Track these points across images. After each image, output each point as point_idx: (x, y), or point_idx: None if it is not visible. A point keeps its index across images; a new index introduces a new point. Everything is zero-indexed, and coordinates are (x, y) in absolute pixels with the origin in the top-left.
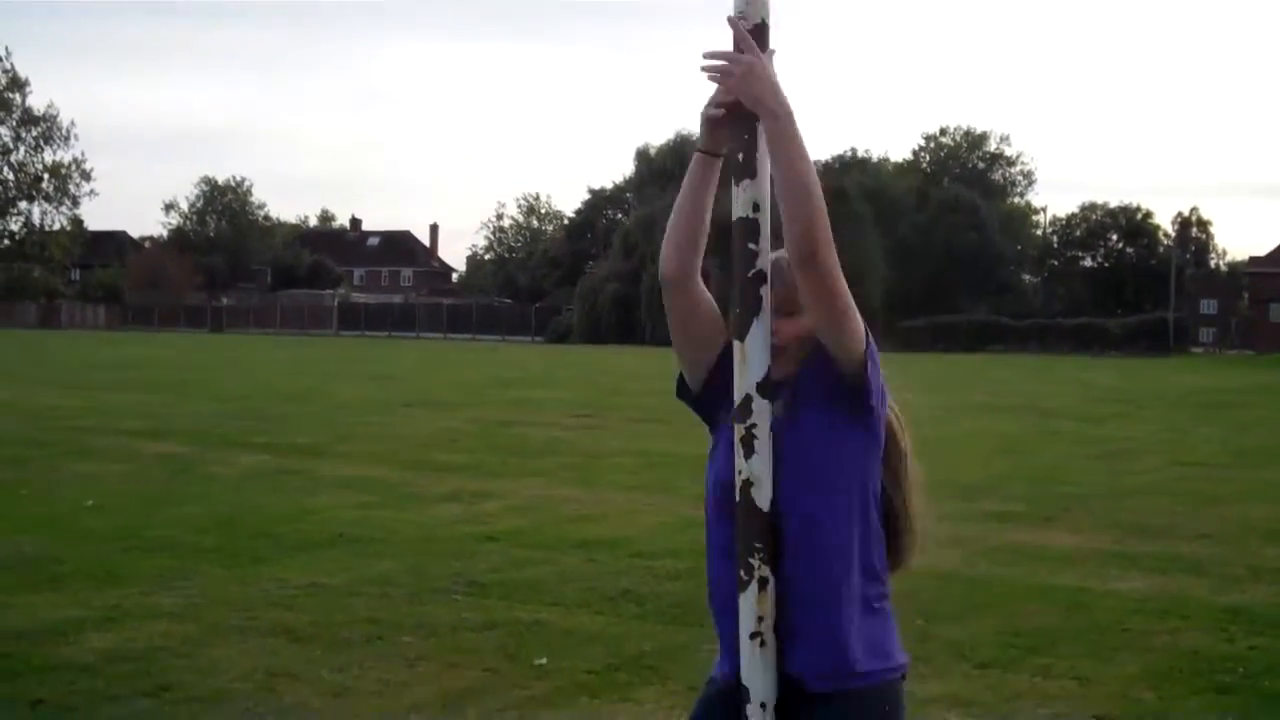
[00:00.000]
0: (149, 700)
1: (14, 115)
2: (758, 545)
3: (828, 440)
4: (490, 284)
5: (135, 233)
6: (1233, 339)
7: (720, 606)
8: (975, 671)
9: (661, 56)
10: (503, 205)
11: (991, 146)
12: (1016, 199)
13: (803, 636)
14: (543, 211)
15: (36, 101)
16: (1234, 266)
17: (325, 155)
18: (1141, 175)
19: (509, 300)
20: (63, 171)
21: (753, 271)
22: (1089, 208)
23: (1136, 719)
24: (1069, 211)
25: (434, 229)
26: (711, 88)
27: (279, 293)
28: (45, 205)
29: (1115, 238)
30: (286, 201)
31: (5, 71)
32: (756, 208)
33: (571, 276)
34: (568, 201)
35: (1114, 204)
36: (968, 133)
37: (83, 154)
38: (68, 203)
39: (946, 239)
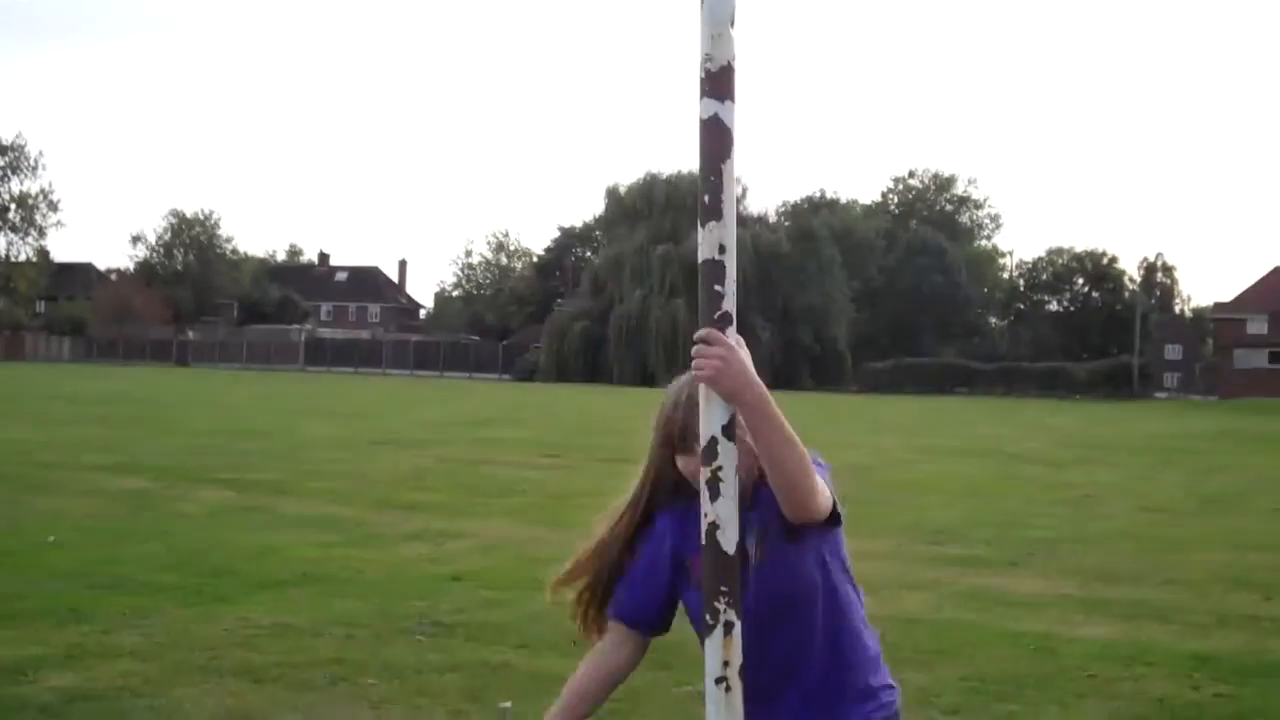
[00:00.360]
0: None
1: None
2: (723, 589)
3: (795, 572)
4: (458, 321)
5: (102, 265)
6: (1197, 384)
7: None
8: (942, 718)
9: (632, 96)
10: (472, 242)
11: (959, 189)
12: (984, 242)
13: None
14: (512, 249)
15: (4, 131)
16: (1198, 312)
17: (294, 189)
18: (1107, 220)
19: (477, 337)
20: (29, 202)
21: (719, 313)
22: (1055, 252)
23: None
24: (1036, 255)
25: (403, 265)
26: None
27: (245, 327)
28: (11, 236)
29: (1081, 282)
30: (254, 235)
31: None
32: (722, 249)
33: (540, 314)
34: (537, 239)
35: (1080, 249)
36: (936, 175)
37: (50, 185)
38: (34, 233)
39: (914, 281)
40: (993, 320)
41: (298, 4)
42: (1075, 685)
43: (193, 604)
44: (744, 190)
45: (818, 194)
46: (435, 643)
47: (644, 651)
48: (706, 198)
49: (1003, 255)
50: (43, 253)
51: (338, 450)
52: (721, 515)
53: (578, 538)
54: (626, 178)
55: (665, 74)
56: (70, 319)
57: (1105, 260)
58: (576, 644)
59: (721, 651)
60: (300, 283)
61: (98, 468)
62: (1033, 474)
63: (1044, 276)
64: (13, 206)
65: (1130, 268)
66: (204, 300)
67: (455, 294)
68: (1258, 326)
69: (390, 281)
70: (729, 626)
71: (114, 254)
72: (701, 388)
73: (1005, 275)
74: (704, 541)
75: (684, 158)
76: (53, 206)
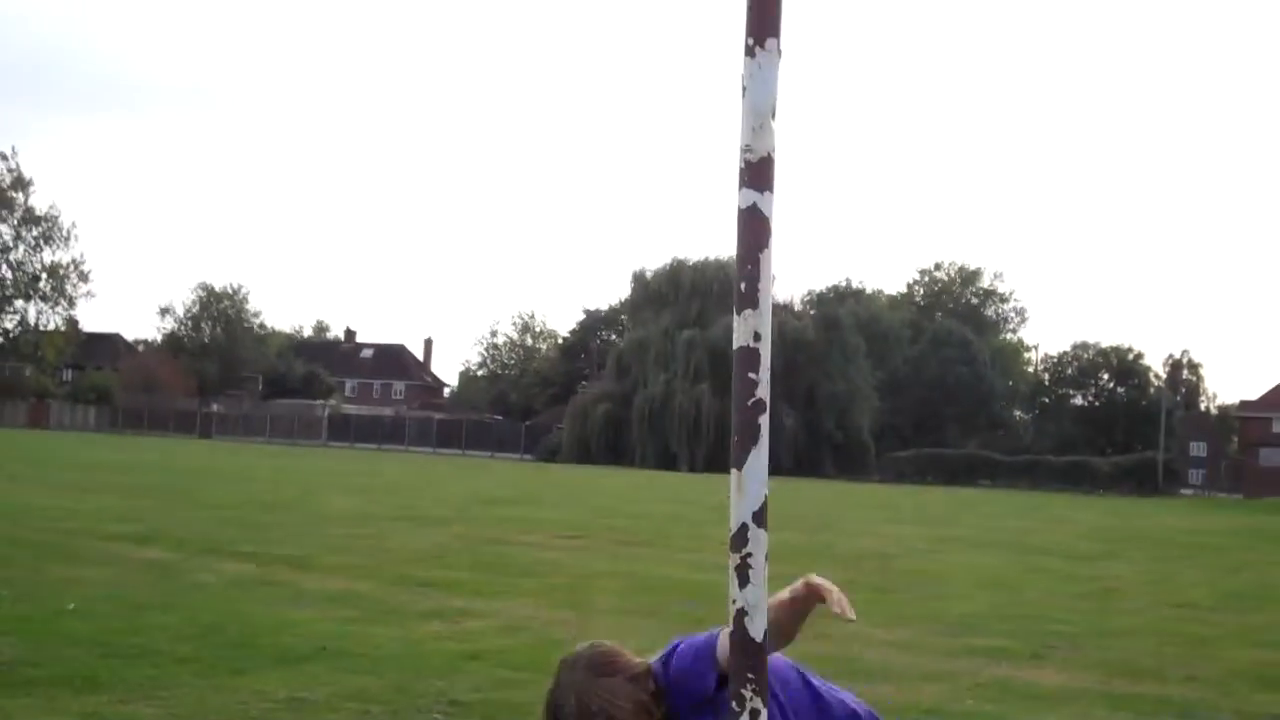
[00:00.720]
0: None
1: (15, 214)
2: (750, 676)
3: None
4: (482, 400)
5: (130, 335)
6: (1222, 481)
7: None
8: None
9: (660, 182)
10: (497, 322)
11: (985, 283)
12: (1009, 335)
13: None
14: (537, 330)
15: (39, 201)
16: (1224, 409)
17: (323, 266)
18: (1133, 316)
19: (500, 416)
20: (61, 272)
21: (752, 400)
22: (1081, 346)
23: None
24: (1061, 350)
25: (428, 343)
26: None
27: (270, 401)
28: (41, 305)
29: (1106, 377)
30: (282, 310)
31: (10, 170)
32: (758, 337)
33: (563, 395)
34: (562, 321)
35: (1106, 344)
36: (961, 269)
37: (81, 255)
38: (64, 303)
39: (938, 372)
40: (1017, 413)
41: (330, 83)
42: None
43: (210, 676)
44: (772, 278)
45: (844, 283)
46: None
47: None
48: (743, 285)
49: (1028, 349)
50: (71, 322)
51: (358, 525)
52: (749, 601)
53: (598, 619)
54: (653, 262)
55: (693, 161)
56: (96, 388)
57: (1131, 356)
58: None
59: None
60: (326, 358)
61: (119, 537)
62: (1055, 567)
63: (1069, 371)
64: (44, 276)
65: (1156, 364)
66: (229, 373)
67: (480, 373)
68: None
69: (415, 359)
70: (755, 714)
71: (142, 325)
72: (734, 478)
73: (1030, 369)
74: (731, 627)
75: (711, 243)
76: (83, 277)
